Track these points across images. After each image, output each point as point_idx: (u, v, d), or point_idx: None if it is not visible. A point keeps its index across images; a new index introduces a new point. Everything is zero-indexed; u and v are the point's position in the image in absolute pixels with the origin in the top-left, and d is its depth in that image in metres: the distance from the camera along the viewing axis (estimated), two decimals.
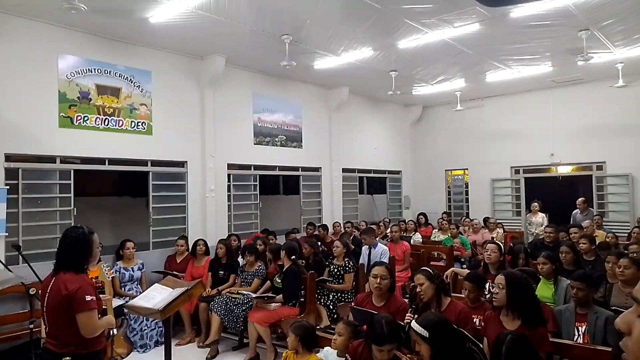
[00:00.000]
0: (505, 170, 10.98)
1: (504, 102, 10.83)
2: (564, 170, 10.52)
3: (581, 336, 3.36)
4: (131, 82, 6.65)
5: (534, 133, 10.39)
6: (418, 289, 3.46)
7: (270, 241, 6.99)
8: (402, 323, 3.10)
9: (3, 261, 4.51)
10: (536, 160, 10.46)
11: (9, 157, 5.55)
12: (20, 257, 4.46)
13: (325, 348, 3.31)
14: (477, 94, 10.61)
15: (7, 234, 5.34)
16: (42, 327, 3.56)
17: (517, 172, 10.91)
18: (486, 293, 3.74)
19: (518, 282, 2.99)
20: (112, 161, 6.53)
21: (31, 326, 4.35)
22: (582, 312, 3.44)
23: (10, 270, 4.29)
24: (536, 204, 9.48)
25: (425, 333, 2.47)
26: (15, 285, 4.01)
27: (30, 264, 4.15)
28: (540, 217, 9.45)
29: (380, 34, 6.55)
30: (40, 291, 3.11)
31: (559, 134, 10.06)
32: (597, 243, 5.80)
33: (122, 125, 6.53)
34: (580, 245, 5.45)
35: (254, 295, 5.42)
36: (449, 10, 5.61)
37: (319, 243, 7.11)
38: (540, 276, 4.26)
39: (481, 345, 3.03)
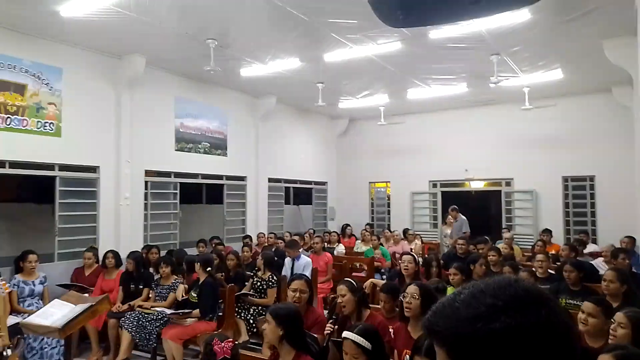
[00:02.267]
0: (424, 184, 11.48)
1: (424, 118, 11.35)
2: (477, 185, 11.20)
3: None
4: (39, 79, 6.14)
5: (451, 149, 10.98)
6: (339, 300, 3.46)
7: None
8: (317, 336, 3.07)
9: None
10: (452, 175, 11.04)
11: None
12: None
13: None
14: (400, 110, 11.02)
15: None
16: None
17: (434, 185, 11.45)
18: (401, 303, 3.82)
19: (430, 293, 3.09)
20: (14, 164, 5.98)
21: None
22: None
23: None
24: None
25: (367, 345, 2.45)
26: None
27: None
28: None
29: (306, 45, 6.60)
30: None
31: (473, 151, 10.71)
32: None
33: (26, 125, 6.00)
34: (490, 257, 5.78)
35: (169, 311, 5.16)
36: (373, 27, 5.77)
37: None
38: (452, 286, 4.44)
39: None
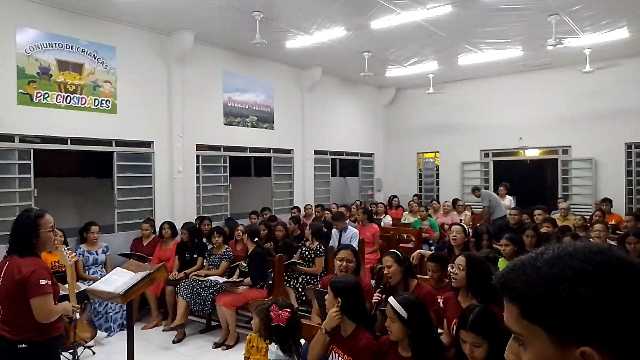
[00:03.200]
0: (475, 154, 11.13)
1: (475, 85, 10.90)
2: (532, 154, 10.73)
3: None
4: (94, 58, 6.39)
5: (504, 117, 10.53)
6: (385, 271, 3.47)
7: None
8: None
9: None
10: (505, 143, 10.62)
11: None
12: None
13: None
14: (450, 77, 10.64)
15: None
16: None
17: (486, 155, 11.07)
18: (449, 273, 3.78)
19: (477, 264, 3.04)
20: (75, 141, 6.31)
21: None
22: None
23: None
24: (502, 187, 9.64)
25: (404, 313, 2.49)
26: None
27: None
28: (508, 200, 9.62)
29: (352, 13, 6.45)
30: None
31: (528, 118, 10.21)
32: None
33: (84, 103, 6.30)
34: (543, 228, 5.58)
35: (221, 280, 5.38)
36: None
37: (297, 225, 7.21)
38: (503, 257, 4.34)
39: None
